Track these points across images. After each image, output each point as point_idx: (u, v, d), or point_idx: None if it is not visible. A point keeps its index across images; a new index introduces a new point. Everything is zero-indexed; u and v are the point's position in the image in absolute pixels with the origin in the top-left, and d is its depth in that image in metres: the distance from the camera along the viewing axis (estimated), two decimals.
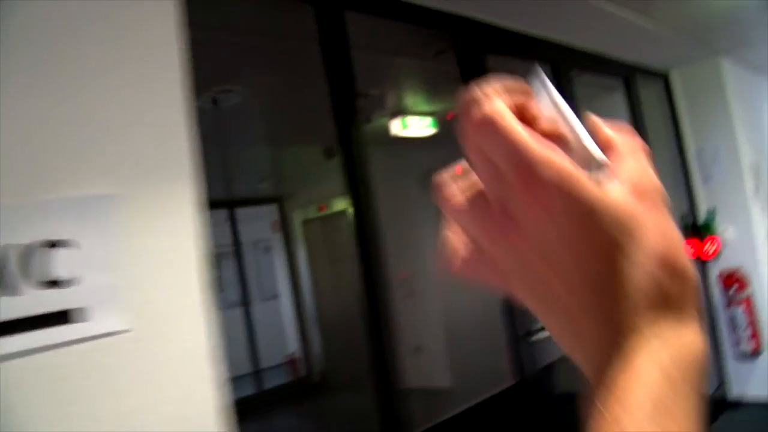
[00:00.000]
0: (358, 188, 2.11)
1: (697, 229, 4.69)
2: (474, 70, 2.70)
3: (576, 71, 3.88)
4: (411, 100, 4.02)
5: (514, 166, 0.31)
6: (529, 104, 0.34)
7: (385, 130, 4.05)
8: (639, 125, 4.16)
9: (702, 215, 4.72)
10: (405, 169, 5.42)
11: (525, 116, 0.33)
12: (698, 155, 4.75)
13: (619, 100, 4.31)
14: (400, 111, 3.99)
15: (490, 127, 0.31)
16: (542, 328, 2.84)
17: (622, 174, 0.33)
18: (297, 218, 7.68)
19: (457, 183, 0.36)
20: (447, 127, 4.39)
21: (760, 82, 5.78)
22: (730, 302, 4.57)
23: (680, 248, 0.33)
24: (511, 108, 0.32)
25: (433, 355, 5.94)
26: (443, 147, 3.15)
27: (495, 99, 0.32)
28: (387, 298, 2.40)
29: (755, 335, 4.50)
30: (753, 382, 4.68)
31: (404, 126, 3.87)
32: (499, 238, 0.34)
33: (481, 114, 0.32)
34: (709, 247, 4.62)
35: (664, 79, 4.75)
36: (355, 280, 2.48)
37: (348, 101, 2.15)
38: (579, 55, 3.54)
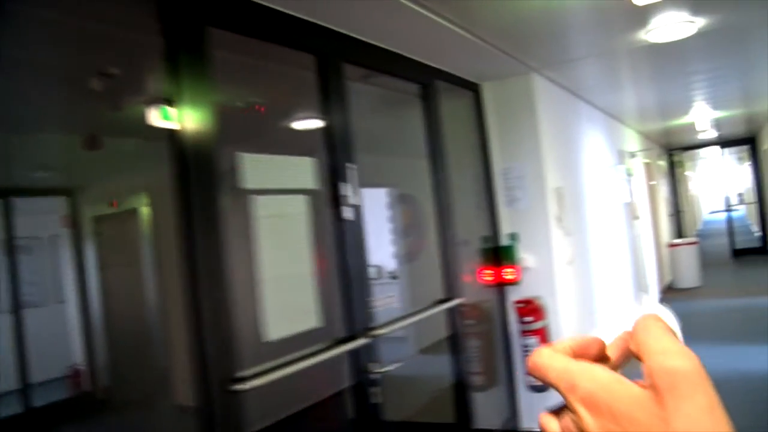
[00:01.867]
0: None
1: (497, 254, 4.41)
2: (188, 45, 2.13)
3: (371, 71, 3.45)
4: (178, 87, 3.37)
5: (561, 392, 0.40)
6: (586, 345, 0.43)
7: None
8: (436, 137, 3.79)
9: (503, 239, 4.45)
10: None
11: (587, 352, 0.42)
12: (504, 175, 4.48)
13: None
14: (164, 99, 3.33)
15: (535, 371, 0.41)
16: (260, 373, 2.34)
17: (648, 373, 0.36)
18: (89, 214, 6.78)
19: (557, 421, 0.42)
20: (233, 120, 3.79)
21: (574, 104, 5.68)
22: (524, 331, 4.32)
23: None
24: (568, 351, 0.42)
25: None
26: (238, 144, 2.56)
27: (541, 350, 0.42)
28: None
29: None
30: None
31: (165, 117, 3.21)
32: None
33: (530, 362, 0.42)
34: (507, 273, 4.36)
35: (475, 92, 4.44)
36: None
37: None
38: (359, 49, 3.08)
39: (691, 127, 9.84)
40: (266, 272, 2.36)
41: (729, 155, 16.53)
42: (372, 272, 6.38)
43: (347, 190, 2.71)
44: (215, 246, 2.10)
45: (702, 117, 8.54)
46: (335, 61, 2.86)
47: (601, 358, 0.42)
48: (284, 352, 2.38)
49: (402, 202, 5.28)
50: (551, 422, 0.41)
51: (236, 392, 2.09)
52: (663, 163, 12.78)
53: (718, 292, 9.91)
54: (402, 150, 5.03)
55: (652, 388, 0.35)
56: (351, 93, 2.96)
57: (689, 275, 10.62)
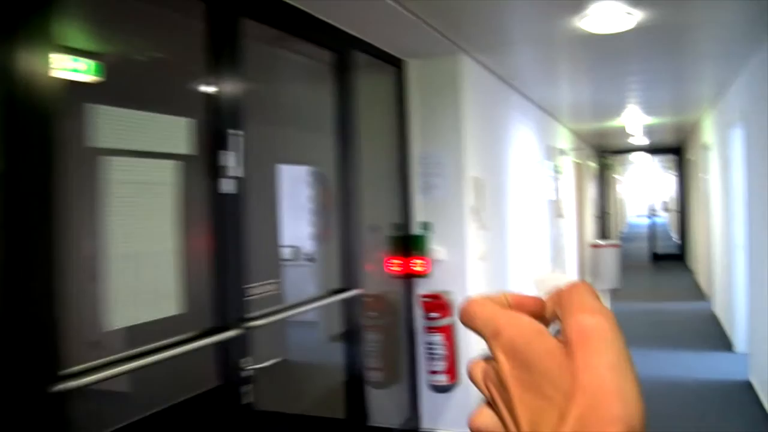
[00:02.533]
0: None
1: (407, 243, 4.15)
2: None
3: (276, 31, 3.10)
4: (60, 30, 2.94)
5: (485, 339, 0.39)
6: (523, 300, 0.41)
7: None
8: (347, 111, 3.48)
9: (415, 228, 4.19)
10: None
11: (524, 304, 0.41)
12: (422, 161, 4.22)
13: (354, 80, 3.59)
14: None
15: (463, 317, 0.40)
16: (92, 369, 1.99)
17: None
18: None
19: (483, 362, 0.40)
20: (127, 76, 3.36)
21: (505, 93, 5.47)
22: (429, 328, 4.08)
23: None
24: (503, 302, 0.40)
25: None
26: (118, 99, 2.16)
27: (474, 299, 0.40)
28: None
29: (451, 370, 4.05)
30: (446, 416, 4.26)
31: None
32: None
33: (461, 308, 0.41)
34: (416, 265, 4.11)
35: (398, 68, 4.14)
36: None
37: None
38: (263, 4, 2.73)
39: (622, 131, 9.86)
40: (116, 248, 2.01)
41: (657, 163, 16.86)
42: (288, 253, 6.06)
43: (229, 159, 2.37)
44: (44, 212, 1.73)
45: (634, 121, 8.52)
46: (231, 13, 2.51)
47: (538, 316, 0.40)
48: (134, 343, 2.04)
49: (319, 181, 4.96)
50: (477, 366, 0.40)
51: (58, 393, 1.73)
52: (593, 164, 12.86)
53: (636, 295, 10.03)
54: (322, 126, 4.70)
55: (567, 342, 0.35)
56: (250, 53, 2.61)
57: (609, 276, 10.72)
